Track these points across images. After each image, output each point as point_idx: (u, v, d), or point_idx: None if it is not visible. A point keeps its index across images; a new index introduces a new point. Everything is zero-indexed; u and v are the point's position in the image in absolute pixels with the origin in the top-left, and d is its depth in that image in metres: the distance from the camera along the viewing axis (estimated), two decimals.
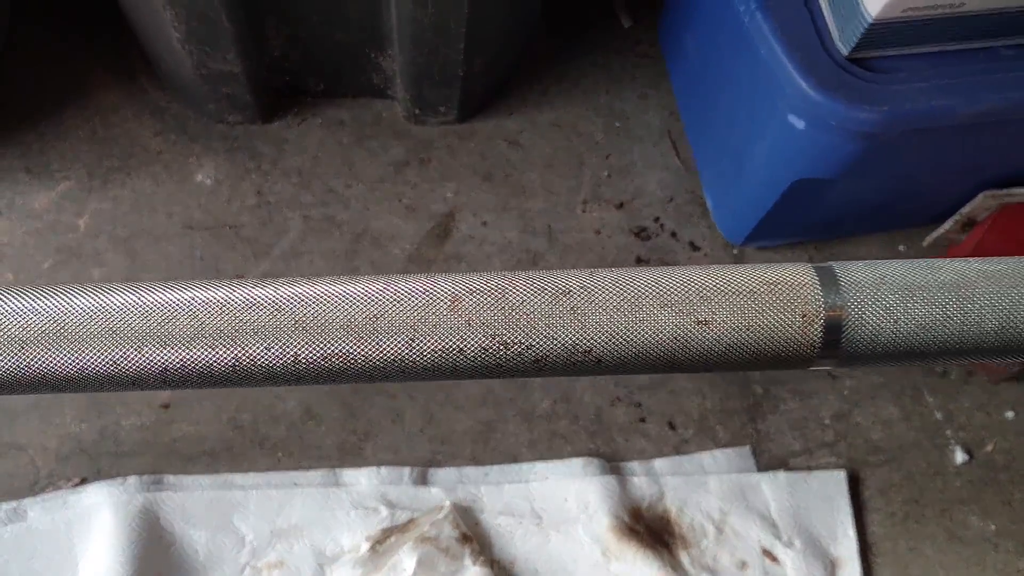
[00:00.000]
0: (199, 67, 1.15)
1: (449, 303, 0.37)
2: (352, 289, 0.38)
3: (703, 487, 1.14)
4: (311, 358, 0.37)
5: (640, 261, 1.26)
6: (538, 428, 1.16)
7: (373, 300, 0.38)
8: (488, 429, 1.16)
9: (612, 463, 1.15)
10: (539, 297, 0.37)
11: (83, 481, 1.09)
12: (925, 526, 1.16)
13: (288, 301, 0.37)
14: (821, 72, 0.94)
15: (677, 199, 1.30)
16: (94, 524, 1.05)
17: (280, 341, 0.37)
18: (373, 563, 1.05)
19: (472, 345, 0.36)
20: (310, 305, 0.37)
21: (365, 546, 1.06)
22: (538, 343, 0.36)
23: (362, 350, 0.37)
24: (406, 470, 1.12)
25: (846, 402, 1.21)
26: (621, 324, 0.35)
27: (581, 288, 0.36)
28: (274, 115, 1.30)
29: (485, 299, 0.37)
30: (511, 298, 0.37)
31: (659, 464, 1.16)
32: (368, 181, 1.27)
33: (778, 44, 0.96)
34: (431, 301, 0.38)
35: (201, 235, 1.22)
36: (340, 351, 0.37)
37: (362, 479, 1.11)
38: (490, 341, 0.36)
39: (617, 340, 0.35)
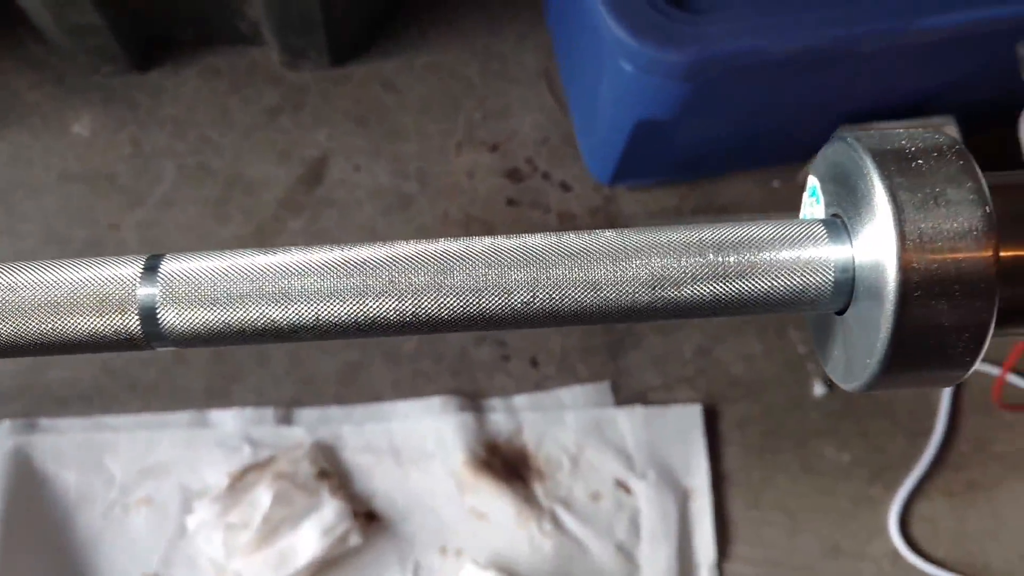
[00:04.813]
0: (59, 21, 1.17)
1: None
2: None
3: (560, 422, 1.18)
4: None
5: (511, 203, 1.28)
6: (402, 369, 1.20)
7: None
8: (353, 370, 1.20)
9: (473, 400, 1.18)
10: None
11: None
12: (780, 457, 1.20)
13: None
14: (633, 14, 0.94)
15: (551, 141, 1.31)
16: None
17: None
18: (232, 499, 1.10)
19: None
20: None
21: (225, 482, 1.11)
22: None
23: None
24: (270, 410, 1.16)
25: (709, 338, 1.24)
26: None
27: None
28: (151, 64, 1.32)
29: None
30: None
31: (518, 400, 1.19)
32: (242, 128, 1.29)
33: None
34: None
35: (77, 186, 1.25)
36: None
37: (228, 419, 1.16)
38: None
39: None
